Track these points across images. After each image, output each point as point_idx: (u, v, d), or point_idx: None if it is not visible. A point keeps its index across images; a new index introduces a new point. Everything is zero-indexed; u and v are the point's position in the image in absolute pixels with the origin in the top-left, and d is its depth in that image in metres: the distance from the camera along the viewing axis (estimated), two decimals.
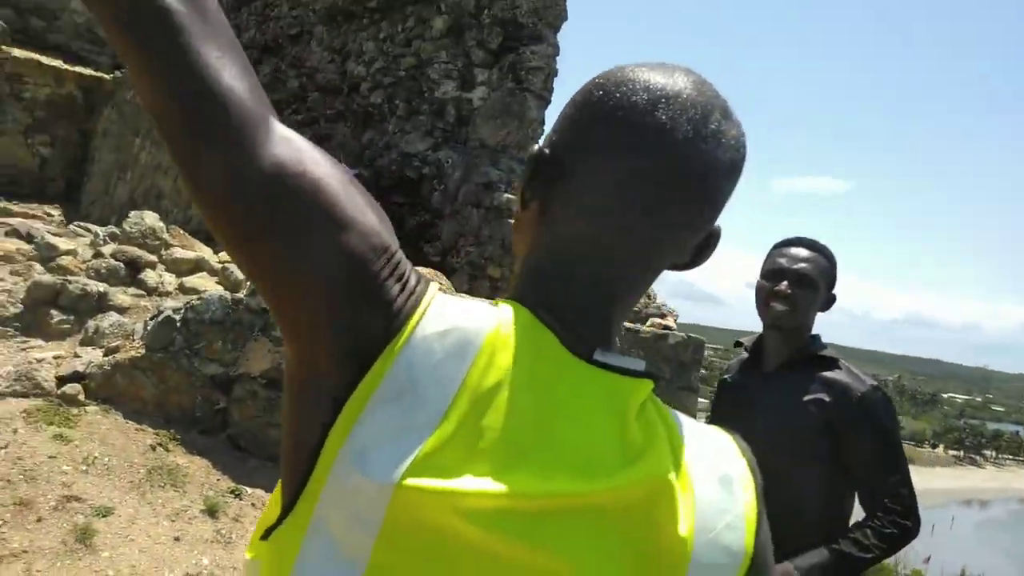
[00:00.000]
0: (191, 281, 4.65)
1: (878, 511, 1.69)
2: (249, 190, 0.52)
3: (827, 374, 1.75)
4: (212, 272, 4.87)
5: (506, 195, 5.58)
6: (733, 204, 0.69)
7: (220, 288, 4.62)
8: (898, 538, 1.66)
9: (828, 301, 1.86)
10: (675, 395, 4.81)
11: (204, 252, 5.16)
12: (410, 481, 0.50)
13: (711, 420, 2.01)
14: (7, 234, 4.82)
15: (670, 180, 0.58)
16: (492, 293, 5.40)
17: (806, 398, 1.73)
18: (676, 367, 4.57)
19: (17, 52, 8.75)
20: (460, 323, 0.56)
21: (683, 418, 0.65)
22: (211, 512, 3.31)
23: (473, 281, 5.73)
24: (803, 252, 1.82)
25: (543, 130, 6.20)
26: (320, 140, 6.77)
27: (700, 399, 5.73)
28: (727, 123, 0.61)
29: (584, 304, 0.60)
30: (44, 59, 8.93)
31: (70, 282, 4.17)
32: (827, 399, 1.72)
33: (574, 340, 0.57)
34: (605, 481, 0.54)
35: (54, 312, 4.10)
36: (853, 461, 1.72)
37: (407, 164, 6.54)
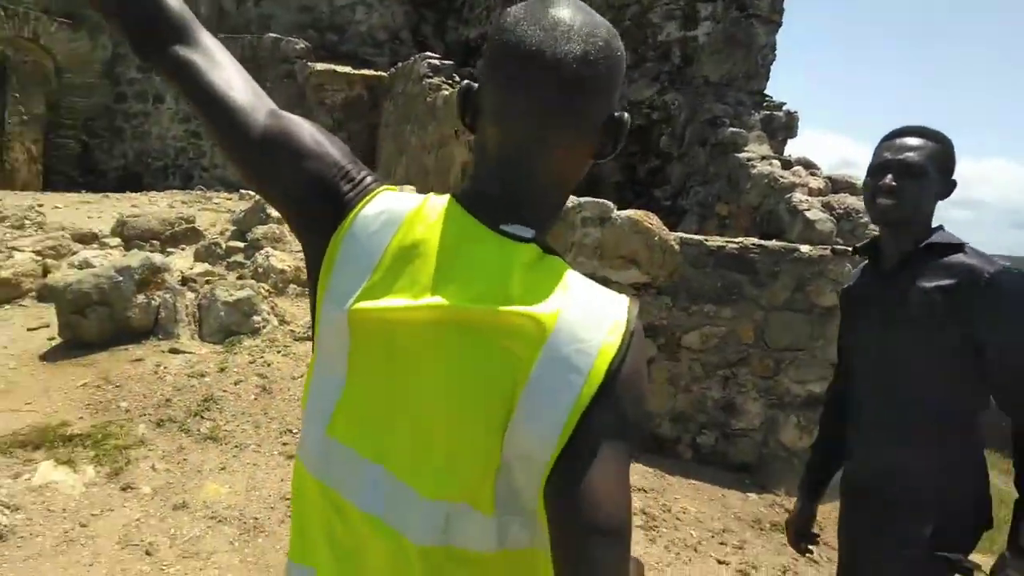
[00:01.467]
0: None
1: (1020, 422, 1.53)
2: (246, 153, 0.87)
3: (950, 258, 1.62)
4: None
5: (731, 130, 5.39)
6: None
7: None
8: None
9: (946, 188, 1.70)
10: None
11: None
12: (356, 306, 0.76)
13: (840, 332, 1.92)
14: None
15: (535, 79, 0.76)
16: (721, 232, 5.29)
17: (928, 285, 1.61)
18: None
19: (319, 65, 10.46)
20: (391, 206, 0.81)
21: (580, 280, 0.77)
22: None
23: (703, 221, 5.66)
24: (909, 140, 1.69)
25: (774, 56, 5.81)
26: None
27: None
28: (580, 17, 0.77)
29: (493, 190, 0.79)
30: (338, 68, 10.56)
31: None
32: (951, 283, 1.58)
33: (483, 215, 0.78)
34: (488, 304, 0.73)
35: None
36: (984, 351, 1.56)
37: (636, 112, 6.60)
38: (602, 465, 0.68)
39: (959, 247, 1.64)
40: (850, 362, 1.88)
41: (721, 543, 3.55)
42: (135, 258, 4.53)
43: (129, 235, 6.19)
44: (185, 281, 4.79)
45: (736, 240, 4.49)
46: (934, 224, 1.71)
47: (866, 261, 1.85)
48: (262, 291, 4.88)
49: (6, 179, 11.18)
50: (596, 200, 4.44)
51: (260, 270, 5.22)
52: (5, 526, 2.66)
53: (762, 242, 4.52)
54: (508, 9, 0.80)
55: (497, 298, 0.73)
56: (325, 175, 0.83)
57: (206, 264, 5.43)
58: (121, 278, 4.30)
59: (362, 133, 10.53)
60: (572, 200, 4.44)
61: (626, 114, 0.82)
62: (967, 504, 1.63)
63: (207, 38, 0.92)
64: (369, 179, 0.85)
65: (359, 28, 11.16)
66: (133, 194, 9.06)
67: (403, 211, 0.80)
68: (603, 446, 0.68)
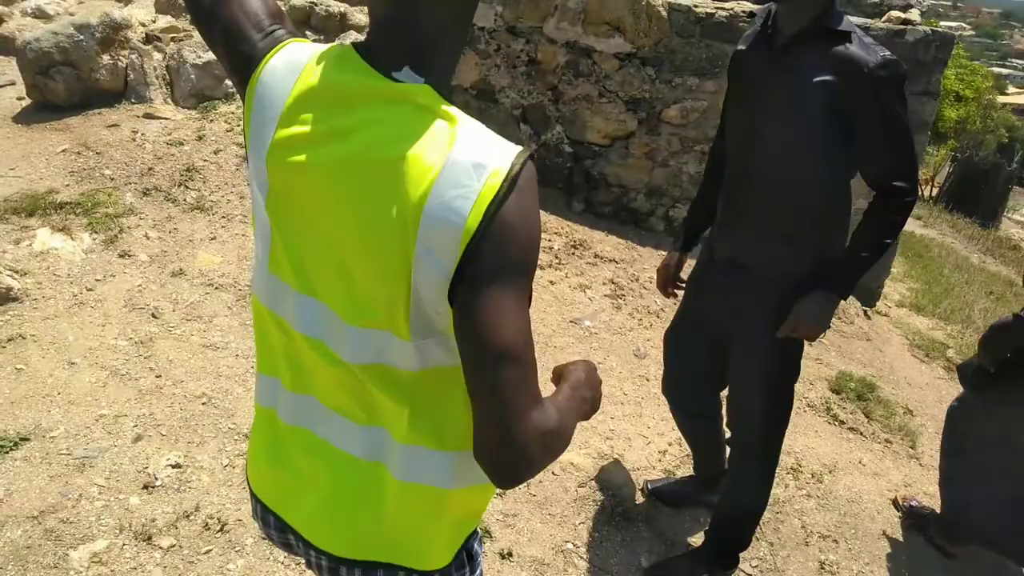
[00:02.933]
0: None
1: (877, 196, 1.75)
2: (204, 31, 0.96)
3: (838, 48, 1.66)
4: None
5: None
6: None
7: None
8: (899, 224, 1.76)
9: None
10: (912, 101, 4.31)
11: None
12: (269, 153, 0.84)
13: (726, 94, 2.01)
14: None
15: None
16: None
17: (814, 78, 1.67)
18: (913, 67, 4.00)
19: None
20: (295, 54, 0.87)
21: (471, 128, 0.80)
22: None
23: None
24: None
25: None
26: None
27: None
28: None
29: (384, 38, 0.83)
30: None
31: (317, 4, 4.78)
32: (833, 78, 1.65)
33: (377, 62, 0.82)
34: (382, 149, 0.78)
35: (308, 32, 4.80)
36: (857, 141, 1.71)
37: None
38: (490, 298, 0.76)
39: (847, 36, 1.67)
40: (728, 128, 1.98)
41: None
42: (93, 14, 4.28)
43: None
44: (149, 39, 4.57)
45: (726, 6, 4.27)
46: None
47: (757, 28, 1.87)
48: None
49: None
50: None
51: None
52: (19, 289, 2.87)
53: (753, 7, 4.31)
54: None
55: (389, 143, 0.78)
56: (240, 27, 0.91)
57: (169, 17, 5.12)
58: (81, 36, 4.10)
59: None
60: None
61: None
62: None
63: None
64: (281, 31, 0.92)
65: None
66: None
67: (303, 59, 0.85)
68: (489, 282, 0.76)
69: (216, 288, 3.14)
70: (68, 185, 3.63)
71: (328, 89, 0.82)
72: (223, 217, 3.62)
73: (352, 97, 0.81)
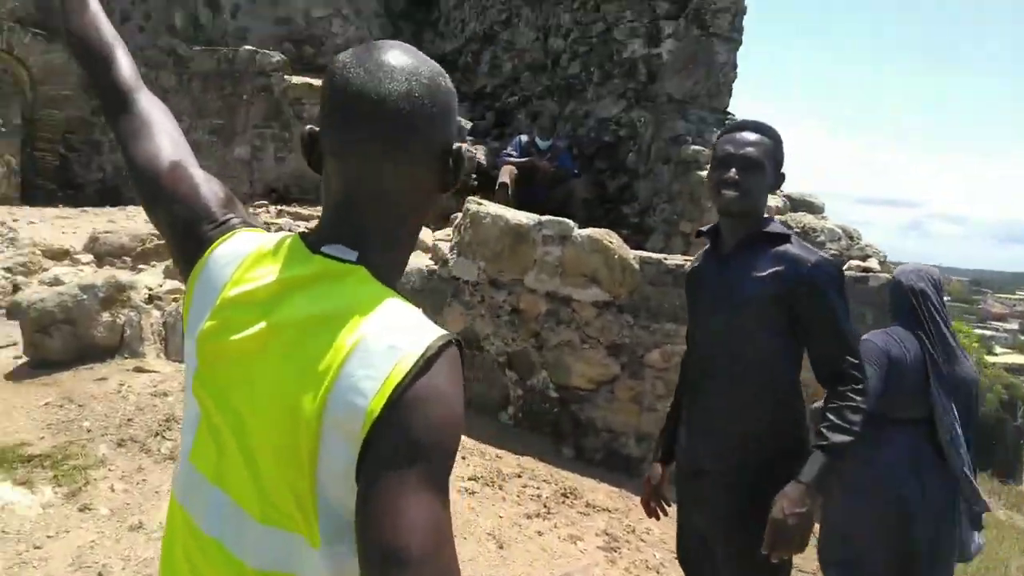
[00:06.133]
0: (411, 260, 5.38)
1: (831, 385, 1.82)
2: (147, 205, 1.00)
3: (778, 248, 1.85)
4: (425, 250, 5.58)
5: (692, 147, 5.49)
6: None
7: (432, 263, 5.25)
8: (861, 408, 1.79)
9: (777, 181, 1.96)
10: None
11: (423, 235, 5.92)
12: (200, 336, 0.84)
13: (688, 311, 2.16)
14: (277, 230, 6.03)
15: (354, 119, 0.82)
16: (685, 249, 5.39)
17: (759, 273, 1.83)
18: (876, 311, 4.20)
19: (296, 79, 10.50)
20: (240, 244, 0.89)
21: (394, 308, 0.79)
22: None
23: (668, 239, 5.75)
24: (748, 136, 1.89)
25: (735, 75, 5.93)
26: (534, 117, 7.21)
27: None
28: (403, 59, 0.84)
29: (331, 220, 0.86)
30: (315, 81, 10.59)
31: None
32: (779, 270, 1.81)
33: (312, 241, 0.85)
34: (300, 327, 0.78)
35: None
36: (801, 330, 1.84)
37: (604, 129, 6.70)
38: (386, 489, 0.67)
39: (786, 237, 1.87)
40: (689, 337, 2.11)
41: None
42: (100, 276, 4.56)
43: (101, 251, 6.21)
44: (152, 299, 4.82)
45: (693, 259, 4.58)
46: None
47: (707, 245, 2.07)
48: None
49: None
50: (556, 219, 4.53)
51: None
52: None
53: None
54: (337, 56, 0.87)
55: (304, 324, 0.77)
56: (191, 218, 0.93)
57: (175, 281, 5.45)
58: (85, 296, 4.33)
59: None
60: (532, 219, 4.53)
61: (464, 146, 0.90)
62: (793, 463, 1.81)
63: (143, 104, 1.04)
64: (234, 220, 0.94)
65: (335, 41, 11.21)
66: (111, 208, 9.04)
67: (247, 250, 0.87)
68: (387, 469, 0.68)
69: None
70: (43, 438, 3.57)
71: (263, 274, 0.83)
72: None
73: (280, 278, 0.81)
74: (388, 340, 0.74)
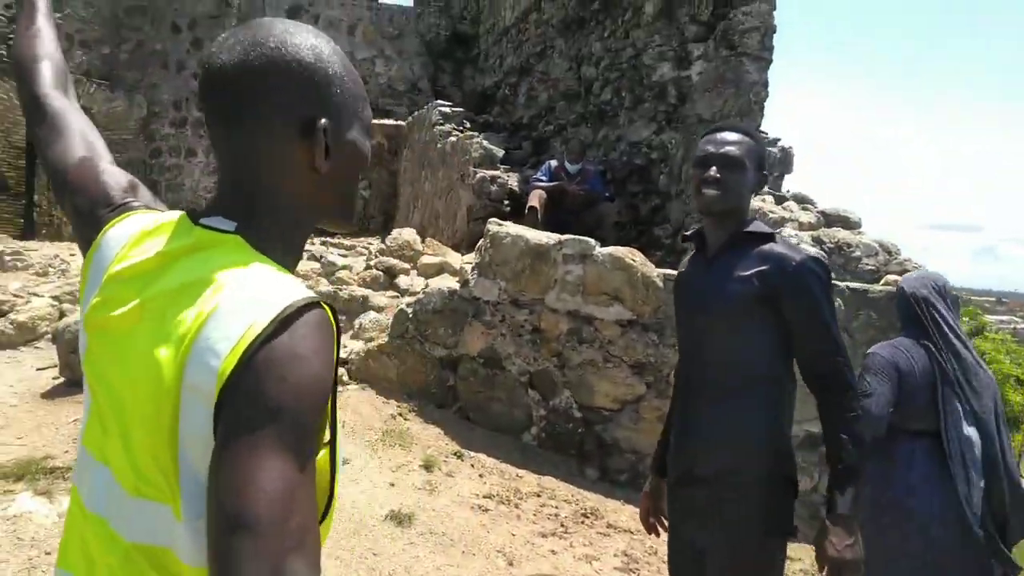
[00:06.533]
0: (435, 281, 5.41)
1: (821, 388, 1.76)
2: (59, 199, 1.02)
3: (763, 248, 1.81)
4: (453, 273, 5.59)
5: None
6: None
7: (456, 285, 5.26)
8: (860, 415, 1.76)
9: (760, 181, 1.91)
10: None
11: (450, 257, 5.94)
12: (86, 315, 0.84)
13: (675, 316, 2.11)
14: (308, 259, 6.19)
15: (201, 90, 0.86)
16: None
17: (744, 273, 1.79)
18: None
19: None
20: (133, 224, 0.89)
21: (264, 271, 0.77)
22: (427, 467, 3.88)
23: None
24: (729, 136, 1.87)
25: (767, 93, 5.84)
26: (567, 144, 7.23)
27: None
28: (254, 33, 0.84)
29: (214, 195, 0.87)
30: None
31: (342, 290, 5.20)
32: (765, 269, 1.77)
33: (194, 214, 0.85)
34: (168, 297, 0.77)
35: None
36: (788, 329, 1.78)
37: (635, 152, 6.66)
38: (235, 451, 0.64)
39: (771, 237, 1.83)
40: (680, 342, 2.07)
41: None
42: None
43: None
44: None
45: None
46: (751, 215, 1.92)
47: (694, 250, 2.02)
48: None
49: (55, 234, 11.72)
50: (577, 237, 4.48)
51: None
52: None
53: None
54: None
55: (172, 294, 0.75)
56: (90, 205, 0.95)
57: None
58: None
59: (383, 181, 10.80)
60: (552, 238, 4.50)
61: (324, 120, 0.82)
62: (781, 481, 1.80)
63: (57, 110, 1.07)
64: (134, 204, 0.95)
65: (379, 80, 11.58)
66: None
67: (135, 229, 0.87)
68: (237, 431, 0.65)
69: None
70: (67, 451, 3.66)
71: (143, 252, 0.83)
72: None
73: (161, 255, 0.81)
74: (246, 302, 0.72)
